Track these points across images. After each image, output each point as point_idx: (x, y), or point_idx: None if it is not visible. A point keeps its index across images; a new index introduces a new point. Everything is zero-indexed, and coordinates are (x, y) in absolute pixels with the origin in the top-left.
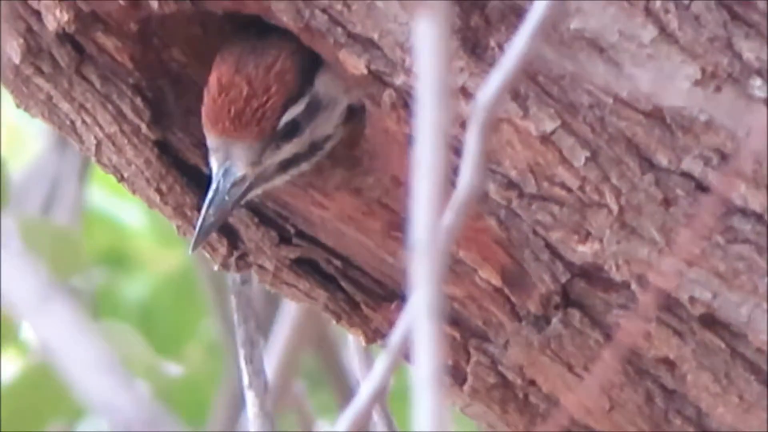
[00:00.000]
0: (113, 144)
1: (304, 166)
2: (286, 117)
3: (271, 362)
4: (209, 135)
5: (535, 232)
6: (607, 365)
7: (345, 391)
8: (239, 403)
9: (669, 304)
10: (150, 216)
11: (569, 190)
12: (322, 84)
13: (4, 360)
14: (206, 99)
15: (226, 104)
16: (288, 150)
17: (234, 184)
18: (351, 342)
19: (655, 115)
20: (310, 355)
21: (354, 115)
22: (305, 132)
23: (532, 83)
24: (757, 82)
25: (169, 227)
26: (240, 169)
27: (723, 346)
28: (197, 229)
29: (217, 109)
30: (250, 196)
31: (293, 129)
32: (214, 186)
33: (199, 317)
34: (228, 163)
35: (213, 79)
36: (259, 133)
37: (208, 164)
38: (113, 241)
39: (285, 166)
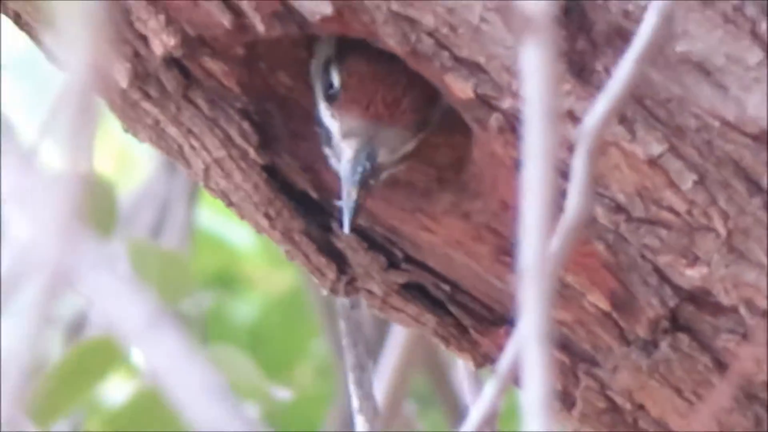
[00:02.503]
0: (221, 169)
1: (402, 167)
2: (435, 111)
3: (381, 384)
4: (350, 118)
5: (643, 256)
6: (720, 391)
7: (455, 413)
8: (349, 426)
9: None
10: (259, 237)
11: (677, 213)
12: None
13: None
14: (352, 82)
15: (381, 89)
16: (414, 144)
17: (376, 168)
18: (460, 364)
19: (762, 138)
20: (419, 377)
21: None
22: (425, 131)
23: (639, 106)
24: None
25: (279, 249)
26: (381, 154)
27: None
28: (351, 210)
29: (370, 92)
30: (380, 179)
31: (424, 124)
32: (359, 168)
33: (309, 339)
34: (369, 147)
35: (363, 65)
36: (410, 122)
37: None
38: (223, 263)
39: (403, 159)
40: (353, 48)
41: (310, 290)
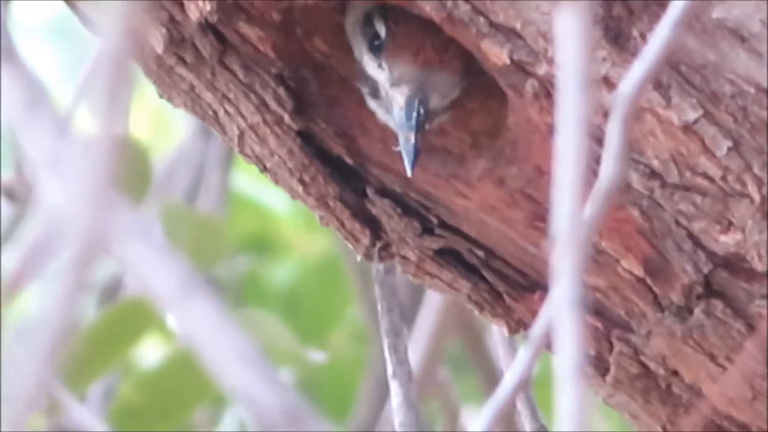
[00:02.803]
0: (256, 134)
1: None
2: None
3: (416, 350)
4: (400, 65)
5: (677, 222)
6: (750, 355)
7: (490, 377)
8: (384, 392)
9: None
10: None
11: (711, 180)
12: None
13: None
14: (399, 30)
15: (428, 36)
16: (461, 89)
17: (429, 113)
18: (495, 330)
19: None
20: (454, 342)
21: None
22: (468, 78)
23: (674, 73)
24: None
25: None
26: (433, 99)
27: None
28: (412, 153)
29: (418, 38)
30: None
31: (468, 70)
32: (413, 113)
33: (345, 304)
34: (421, 93)
35: (406, 16)
36: (457, 66)
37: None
38: (259, 227)
39: (452, 105)
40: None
41: (345, 255)
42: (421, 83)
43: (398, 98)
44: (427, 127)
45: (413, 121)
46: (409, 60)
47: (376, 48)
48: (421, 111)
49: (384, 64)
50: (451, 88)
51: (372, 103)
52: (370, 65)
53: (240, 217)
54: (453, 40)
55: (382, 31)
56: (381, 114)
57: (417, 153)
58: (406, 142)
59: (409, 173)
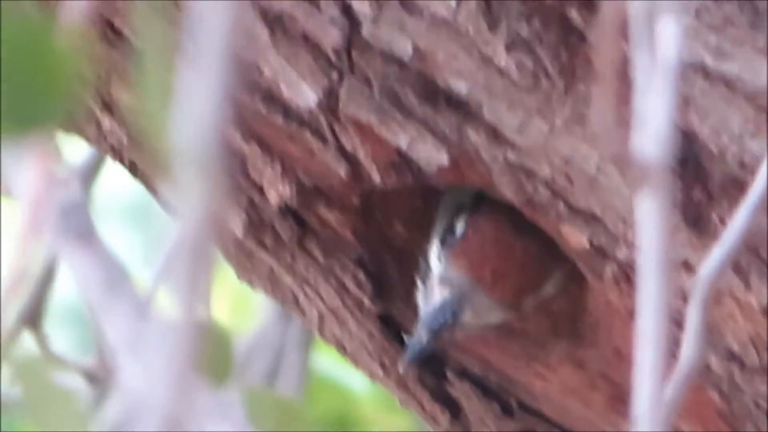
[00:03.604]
0: (336, 318)
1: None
2: (530, 299)
3: None
4: (455, 268)
5: (756, 405)
6: None
7: None
8: None
9: None
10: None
11: None
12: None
13: None
14: (474, 238)
15: (496, 258)
16: (499, 320)
17: (455, 326)
18: None
19: None
20: None
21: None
22: (514, 312)
23: (753, 256)
24: None
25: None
26: (466, 315)
27: None
28: (416, 353)
29: (483, 255)
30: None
31: (516, 307)
32: (440, 318)
33: None
34: (459, 304)
35: (490, 224)
36: (508, 301)
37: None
38: (339, 407)
39: (485, 328)
40: (490, 203)
41: None
42: (464, 295)
43: (437, 295)
44: (445, 336)
45: (436, 325)
46: (465, 269)
47: (446, 241)
48: (449, 319)
49: (443, 258)
50: (488, 312)
51: (419, 283)
52: (434, 252)
53: (320, 399)
54: (518, 274)
55: (459, 229)
56: (419, 297)
57: (421, 353)
58: (417, 338)
59: (400, 369)
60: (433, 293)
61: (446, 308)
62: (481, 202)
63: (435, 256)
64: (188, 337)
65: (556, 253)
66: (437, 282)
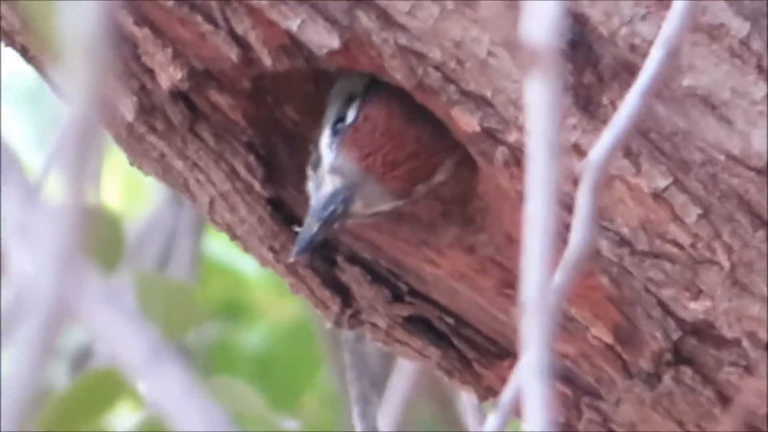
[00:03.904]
0: (226, 202)
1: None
2: (421, 187)
3: (386, 416)
4: (345, 157)
5: (647, 290)
6: (725, 426)
7: None
8: None
9: None
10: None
11: (681, 247)
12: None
13: (120, 415)
14: (363, 127)
15: (387, 147)
16: (389, 208)
17: (345, 215)
18: (464, 397)
19: (766, 172)
20: (424, 410)
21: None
22: (403, 201)
23: (644, 140)
24: None
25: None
26: (356, 204)
27: None
28: (305, 241)
29: (374, 143)
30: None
31: (406, 195)
32: (331, 207)
33: (316, 369)
34: (349, 192)
35: (381, 112)
36: (398, 189)
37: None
38: (230, 292)
39: (374, 216)
40: (383, 90)
41: (316, 321)
42: (354, 184)
43: (328, 184)
44: (336, 225)
45: (326, 214)
46: (355, 158)
47: (337, 129)
48: (339, 209)
49: (334, 147)
50: (378, 201)
51: (310, 171)
52: (325, 140)
53: (212, 283)
54: (408, 161)
55: (350, 117)
56: (310, 186)
57: (311, 243)
58: (307, 228)
59: (290, 257)
60: (324, 182)
61: (337, 198)
62: (373, 89)
63: (326, 144)
64: (77, 221)
65: (447, 139)
66: (328, 171)
